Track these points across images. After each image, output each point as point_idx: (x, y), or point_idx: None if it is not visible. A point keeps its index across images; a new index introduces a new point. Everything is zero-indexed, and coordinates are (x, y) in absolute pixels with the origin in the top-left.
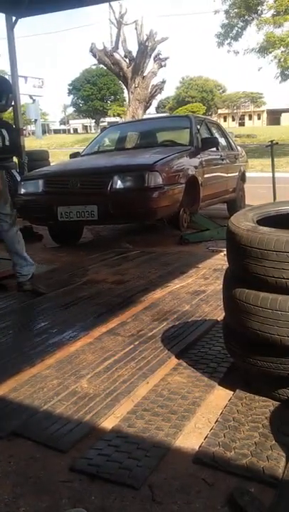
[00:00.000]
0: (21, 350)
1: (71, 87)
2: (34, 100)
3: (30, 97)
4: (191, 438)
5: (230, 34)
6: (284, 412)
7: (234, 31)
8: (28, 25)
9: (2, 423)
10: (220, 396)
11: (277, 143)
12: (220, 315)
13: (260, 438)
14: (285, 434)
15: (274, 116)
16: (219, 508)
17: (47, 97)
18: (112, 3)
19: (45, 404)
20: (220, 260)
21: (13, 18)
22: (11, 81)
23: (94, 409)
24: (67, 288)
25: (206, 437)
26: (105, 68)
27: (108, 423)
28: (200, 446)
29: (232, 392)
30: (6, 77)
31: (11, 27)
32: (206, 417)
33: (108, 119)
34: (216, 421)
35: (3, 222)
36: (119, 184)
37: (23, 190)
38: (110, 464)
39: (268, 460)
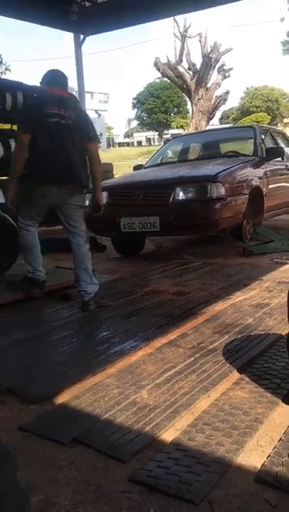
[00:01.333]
0: (84, 359)
1: (135, 101)
2: (99, 115)
3: (96, 111)
4: (253, 456)
5: None
6: None
7: None
8: (94, 43)
9: (65, 430)
10: (283, 413)
11: None
12: (284, 329)
13: None
14: None
15: None
16: None
17: (112, 112)
18: (176, 17)
19: (106, 413)
20: (285, 273)
21: (81, 37)
22: (78, 97)
23: (154, 421)
24: (129, 298)
25: (268, 456)
26: (169, 81)
27: (168, 435)
28: (262, 465)
29: None
30: (74, 93)
31: (78, 45)
32: (268, 434)
33: (171, 131)
34: (280, 439)
35: (80, 238)
36: (181, 195)
37: (87, 202)
38: (170, 476)
39: None
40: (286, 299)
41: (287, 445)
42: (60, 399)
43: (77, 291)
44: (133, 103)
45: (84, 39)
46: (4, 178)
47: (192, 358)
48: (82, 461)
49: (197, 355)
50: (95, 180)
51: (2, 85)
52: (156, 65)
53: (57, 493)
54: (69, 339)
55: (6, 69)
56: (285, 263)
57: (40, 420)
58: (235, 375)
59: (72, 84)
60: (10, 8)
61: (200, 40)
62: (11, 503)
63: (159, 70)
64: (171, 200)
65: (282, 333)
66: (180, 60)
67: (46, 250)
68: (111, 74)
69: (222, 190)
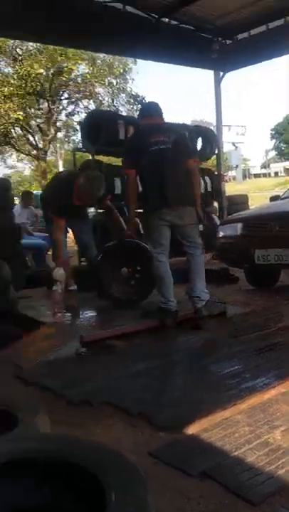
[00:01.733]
0: (214, 391)
1: (273, 132)
2: (236, 147)
3: (233, 144)
4: None
5: None
6: None
7: None
8: (230, 78)
9: (194, 461)
10: None
11: None
12: None
13: None
14: None
15: None
16: None
17: (248, 143)
18: None
19: (236, 450)
20: None
21: (221, 74)
22: (216, 131)
23: (287, 465)
24: (262, 332)
25: None
26: None
27: None
28: None
29: None
30: (212, 127)
31: (218, 82)
32: None
33: None
34: None
35: (197, 249)
36: None
37: (221, 233)
38: None
39: None
40: None
41: None
42: (190, 430)
43: (190, 297)
44: (271, 134)
45: (223, 76)
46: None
47: None
48: (210, 497)
49: None
50: (194, 195)
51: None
52: None
53: None
54: (200, 370)
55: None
56: None
57: (170, 448)
58: None
59: (211, 118)
60: (157, 53)
61: None
62: None
63: None
64: None
65: None
66: None
67: (178, 280)
68: (249, 106)
69: None
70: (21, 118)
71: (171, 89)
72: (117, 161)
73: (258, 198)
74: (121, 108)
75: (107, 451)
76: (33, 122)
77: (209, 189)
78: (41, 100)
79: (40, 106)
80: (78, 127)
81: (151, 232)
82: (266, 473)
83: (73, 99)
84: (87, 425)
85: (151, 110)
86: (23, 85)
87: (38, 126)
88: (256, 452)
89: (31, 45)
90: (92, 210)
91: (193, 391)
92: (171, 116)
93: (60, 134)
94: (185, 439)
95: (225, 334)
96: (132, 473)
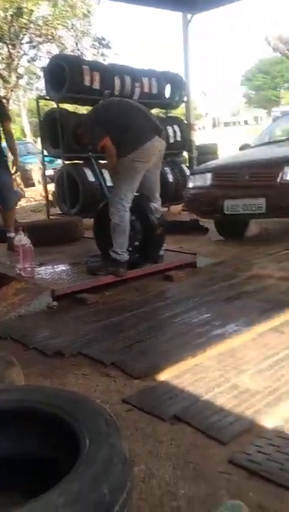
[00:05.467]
0: (185, 339)
1: (243, 78)
2: (206, 94)
3: (202, 91)
4: None
5: None
6: None
7: None
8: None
9: (166, 406)
10: None
11: None
12: None
13: None
14: None
15: None
16: None
17: (218, 90)
18: None
19: (206, 393)
20: None
21: (189, 16)
22: (184, 77)
23: (255, 406)
24: (232, 282)
25: None
26: (280, 56)
27: (269, 422)
28: None
29: None
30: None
31: (186, 24)
32: None
33: (281, 109)
34: None
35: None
36: None
37: (191, 184)
38: (271, 463)
39: None
40: None
41: None
42: (162, 376)
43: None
44: (241, 81)
45: (191, 18)
46: None
47: None
48: (182, 439)
49: None
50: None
51: None
52: (266, 39)
53: (157, 466)
54: (171, 320)
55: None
56: None
57: (143, 395)
58: None
59: (180, 64)
60: None
61: None
62: (116, 470)
63: (269, 44)
64: (279, 180)
65: None
66: None
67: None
68: (218, 53)
69: None
70: None
71: (138, 37)
72: (83, 110)
73: (228, 147)
74: (85, 52)
75: (81, 399)
76: None
77: (178, 139)
78: (0, 44)
79: (0, 51)
80: (41, 73)
81: (130, 179)
82: (235, 414)
83: (35, 44)
84: (60, 376)
85: None
86: None
87: None
88: (225, 395)
89: None
90: None
91: (164, 340)
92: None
93: (22, 81)
94: (157, 386)
95: (194, 285)
96: (105, 420)
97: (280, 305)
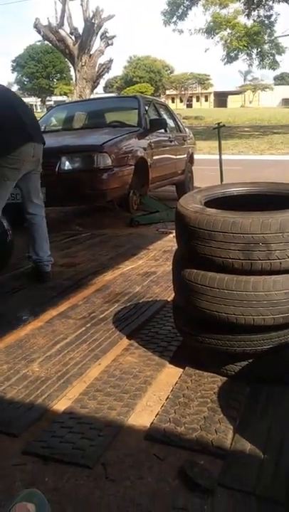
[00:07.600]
0: None
1: (15, 64)
2: None
3: None
4: (142, 416)
5: (176, 13)
6: (231, 387)
7: (180, 10)
8: None
9: None
10: (170, 374)
11: (224, 125)
12: (170, 296)
13: (208, 412)
14: (232, 407)
15: (221, 99)
16: (170, 481)
17: None
18: None
19: None
20: (169, 242)
21: None
22: None
23: (46, 392)
24: (16, 272)
25: (157, 414)
26: (51, 45)
27: (61, 405)
28: (151, 423)
29: (182, 370)
30: None
31: None
32: (157, 394)
33: (54, 98)
34: (167, 398)
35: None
36: (67, 165)
37: None
38: (64, 445)
39: (216, 433)
40: (171, 266)
41: (174, 403)
42: None
43: (39, 262)
44: (13, 66)
45: None
46: None
47: (83, 328)
48: None
49: (88, 325)
50: None
51: None
52: (36, 26)
53: None
54: None
55: None
56: (170, 232)
57: None
58: (125, 341)
59: None
60: None
61: (81, 4)
62: None
63: (39, 32)
64: (56, 169)
65: (168, 300)
66: (61, 24)
67: None
68: None
69: (108, 161)
70: None
71: None
72: None
73: None
74: None
75: None
76: None
77: None
78: None
79: None
80: None
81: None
82: (26, 405)
83: None
84: None
85: None
86: None
87: None
88: (15, 387)
89: None
90: None
91: None
92: None
93: None
94: None
95: None
96: None
97: (65, 291)
